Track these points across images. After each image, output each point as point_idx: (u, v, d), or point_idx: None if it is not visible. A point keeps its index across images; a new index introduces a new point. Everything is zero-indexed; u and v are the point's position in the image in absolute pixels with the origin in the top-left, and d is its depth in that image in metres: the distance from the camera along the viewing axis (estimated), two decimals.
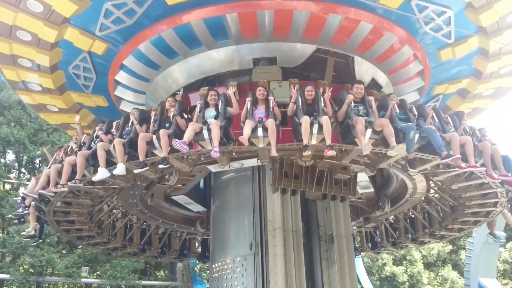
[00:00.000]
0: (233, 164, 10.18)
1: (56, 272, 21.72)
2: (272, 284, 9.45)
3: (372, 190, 12.30)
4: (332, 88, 8.91)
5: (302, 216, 10.36)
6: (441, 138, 8.85)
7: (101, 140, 9.26)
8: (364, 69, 11.55)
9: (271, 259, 9.64)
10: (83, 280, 21.72)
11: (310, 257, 10.93)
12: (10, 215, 12.66)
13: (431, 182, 11.75)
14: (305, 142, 7.99)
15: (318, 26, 10.41)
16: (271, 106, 8.61)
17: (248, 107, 8.62)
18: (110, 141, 9.15)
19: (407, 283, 30.43)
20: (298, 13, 10.07)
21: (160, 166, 8.43)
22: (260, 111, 8.69)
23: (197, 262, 21.79)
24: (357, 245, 15.34)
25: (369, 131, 8.21)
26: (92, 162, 9.16)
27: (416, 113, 9.64)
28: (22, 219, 10.64)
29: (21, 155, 24.36)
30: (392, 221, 14.62)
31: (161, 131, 8.42)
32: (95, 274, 23.08)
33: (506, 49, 11.56)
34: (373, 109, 8.79)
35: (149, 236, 14.36)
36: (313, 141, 8.17)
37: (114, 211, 13.30)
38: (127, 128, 9.38)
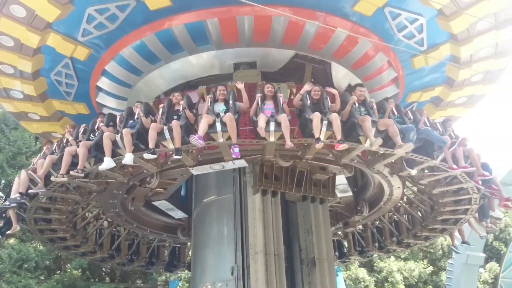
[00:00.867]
0: (214, 166, 10.39)
1: None
2: None
3: (350, 193, 12.52)
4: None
5: (284, 239, 10.31)
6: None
7: (102, 132, 9.32)
8: (341, 75, 11.91)
9: (253, 285, 9.55)
10: None
11: (292, 281, 10.72)
12: None
13: (406, 188, 12.20)
14: (316, 136, 8.50)
15: (296, 32, 10.75)
16: (281, 102, 9.13)
17: (259, 103, 9.07)
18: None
19: None
20: (277, 19, 10.39)
21: (175, 157, 8.68)
22: (269, 106, 9.15)
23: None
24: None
25: (373, 130, 8.80)
26: (94, 153, 9.21)
27: (412, 117, 10.23)
28: (3, 215, 10.48)
29: None
30: (359, 231, 14.82)
31: (174, 122, 8.66)
32: None
33: (477, 57, 11.99)
34: (374, 111, 9.43)
35: (119, 243, 14.08)
36: (322, 137, 8.59)
37: (94, 216, 13.08)
38: (131, 121, 9.51)
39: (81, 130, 10.32)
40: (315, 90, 9.35)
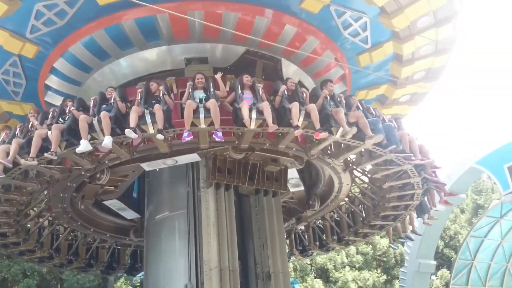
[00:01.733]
0: (166, 161, 10.39)
1: None
2: None
3: (302, 188, 12.76)
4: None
5: (238, 253, 10.21)
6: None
7: (73, 116, 9.16)
8: (291, 72, 12.16)
9: None
10: None
11: None
12: None
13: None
14: (295, 123, 9.01)
15: (247, 28, 10.89)
16: (260, 92, 9.58)
17: (239, 92, 9.50)
18: None
19: None
20: (227, 15, 10.57)
21: (158, 137, 8.74)
22: (248, 95, 9.54)
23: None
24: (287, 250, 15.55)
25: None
26: (66, 136, 8.97)
27: (375, 113, 10.79)
28: None
29: None
30: (320, 224, 15.10)
31: (156, 106, 8.81)
32: None
33: (418, 54, 12.58)
34: (342, 105, 9.99)
35: (76, 247, 13.87)
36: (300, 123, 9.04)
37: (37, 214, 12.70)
38: (104, 106, 9.39)
39: (50, 113, 9.97)
40: (291, 82, 10.03)
